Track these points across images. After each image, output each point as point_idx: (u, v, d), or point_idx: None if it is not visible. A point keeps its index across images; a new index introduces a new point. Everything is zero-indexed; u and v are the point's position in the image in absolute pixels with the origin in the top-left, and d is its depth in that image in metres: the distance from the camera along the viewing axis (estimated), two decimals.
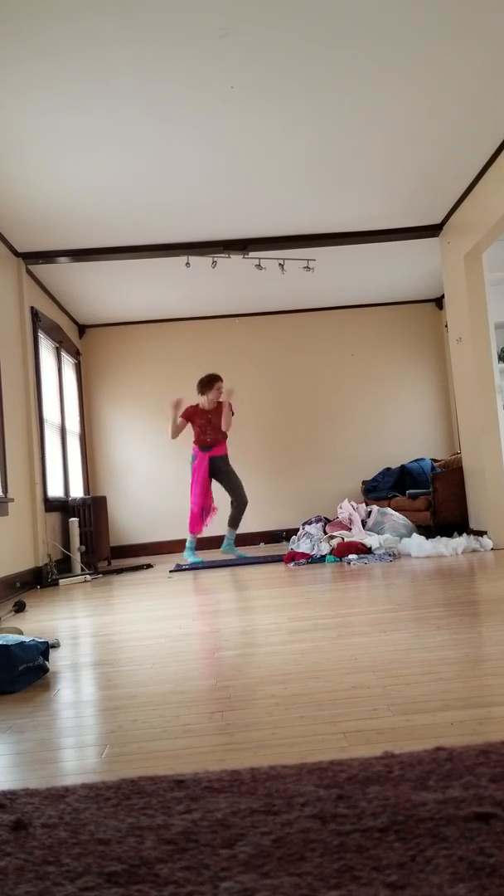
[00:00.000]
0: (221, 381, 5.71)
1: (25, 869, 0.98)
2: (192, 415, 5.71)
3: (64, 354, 6.43)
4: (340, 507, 5.63)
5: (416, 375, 7.44)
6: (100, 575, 5.34)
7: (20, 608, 3.78)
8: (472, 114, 3.77)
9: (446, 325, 6.61)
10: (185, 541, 7.01)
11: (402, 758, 1.25)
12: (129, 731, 1.62)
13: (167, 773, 1.30)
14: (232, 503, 5.69)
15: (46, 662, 2.27)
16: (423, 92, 3.53)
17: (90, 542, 5.82)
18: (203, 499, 5.65)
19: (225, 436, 5.73)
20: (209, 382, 5.68)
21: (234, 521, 5.70)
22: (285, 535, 6.84)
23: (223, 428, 5.66)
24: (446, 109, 3.71)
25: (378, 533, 5.23)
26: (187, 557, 5.69)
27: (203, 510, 5.67)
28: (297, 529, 5.88)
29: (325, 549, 4.96)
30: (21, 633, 2.70)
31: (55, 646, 2.67)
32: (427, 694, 1.68)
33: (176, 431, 5.69)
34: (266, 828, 1.04)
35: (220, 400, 5.71)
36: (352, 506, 5.58)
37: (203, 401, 5.73)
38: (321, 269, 5.98)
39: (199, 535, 5.83)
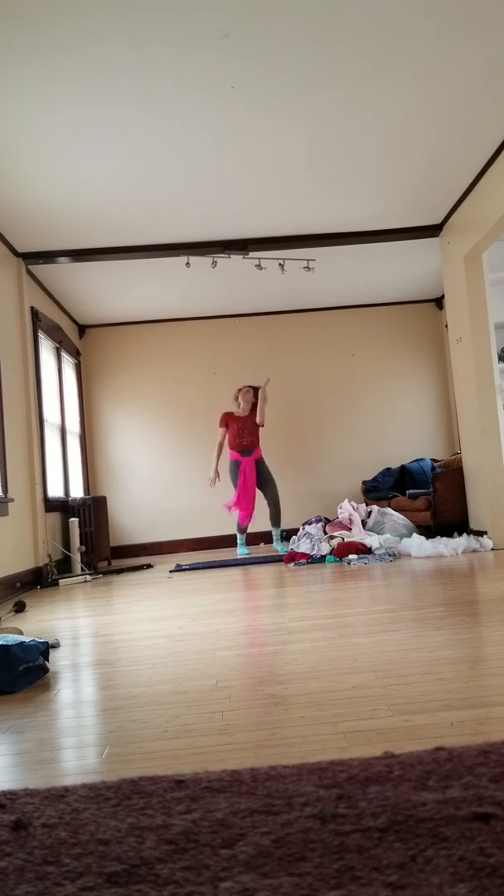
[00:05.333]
0: (246, 389, 6.11)
1: (25, 869, 0.98)
2: (228, 421, 6.11)
3: (64, 354, 6.43)
4: (340, 507, 5.63)
5: (416, 375, 7.44)
6: (100, 575, 5.34)
7: (20, 608, 3.78)
8: (472, 114, 3.77)
9: (446, 325, 6.61)
10: (185, 541, 7.05)
11: (402, 758, 1.25)
12: (129, 731, 1.62)
13: (167, 773, 1.30)
14: (269, 504, 6.02)
15: (46, 662, 2.27)
16: (424, 92, 3.53)
17: (90, 542, 5.82)
18: (252, 501, 5.96)
19: (258, 438, 6.09)
20: (235, 395, 6.17)
21: (276, 519, 6.02)
22: (285, 535, 6.83)
23: (258, 420, 6.01)
24: (446, 109, 3.71)
25: (378, 533, 5.23)
26: (239, 553, 6.03)
27: (249, 513, 6.00)
28: (297, 529, 5.88)
29: (325, 549, 4.96)
30: (21, 633, 2.70)
31: (55, 646, 2.67)
32: (427, 694, 1.68)
33: (220, 445, 6.14)
34: (266, 828, 1.04)
35: (253, 402, 6.12)
36: (352, 506, 5.58)
37: (237, 409, 6.14)
38: (321, 269, 5.98)
39: (245, 529, 6.07)
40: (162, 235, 5.10)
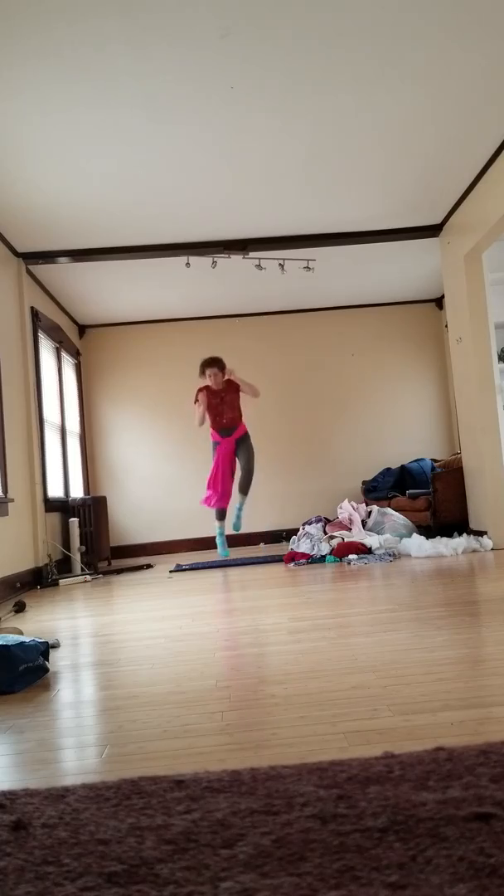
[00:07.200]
0: (215, 367, 5.36)
1: (25, 869, 0.98)
2: (202, 396, 5.44)
3: (64, 354, 6.43)
4: (340, 508, 5.63)
5: (416, 375, 7.44)
6: (100, 575, 5.34)
7: (20, 608, 3.78)
8: (471, 114, 3.77)
9: (446, 325, 6.60)
10: (185, 541, 7.04)
11: (402, 758, 1.25)
12: (129, 731, 1.62)
13: (167, 773, 1.30)
14: (241, 470, 5.48)
15: (46, 663, 2.27)
16: (424, 92, 3.53)
17: (90, 543, 5.82)
18: (224, 484, 5.44)
19: (240, 413, 5.51)
20: (201, 368, 5.42)
21: (244, 484, 5.47)
22: (285, 536, 6.83)
23: (254, 393, 5.49)
24: (446, 109, 3.71)
25: (378, 533, 5.23)
26: (221, 553, 5.56)
27: (222, 494, 5.44)
28: (297, 529, 5.88)
29: (325, 549, 4.96)
30: (21, 633, 2.70)
31: (55, 646, 2.67)
32: (427, 694, 1.67)
33: (200, 418, 5.49)
34: (266, 828, 1.04)
35: (228, 378, 5.44)
36: (352, 506, 5.58)
37: (210, 382, 5.42)
38: (321, 269, 5.98)
39: (224, 517, 5.59)
40: (162, 235, 5.10)
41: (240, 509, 5.49)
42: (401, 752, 1.29)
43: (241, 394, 5.51)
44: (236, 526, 5.49)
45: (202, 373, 5.45)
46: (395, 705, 1.61)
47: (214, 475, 5.41)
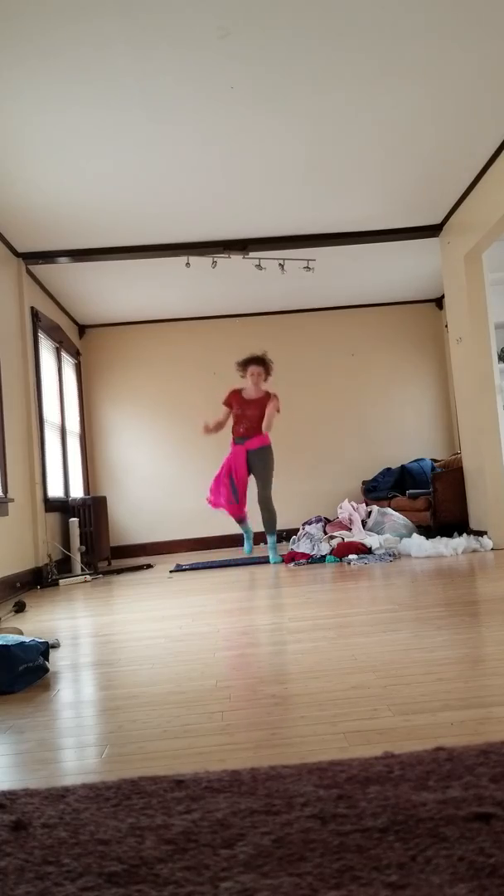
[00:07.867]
0: (260, 366, 5.08)
1: (25, 869, 0.98)
2: (231, 399, 5.20)
3: (64, 354, 6.43)
4: (340, 508, 5.63)
5: (416, 375, 7.44)
6: (100, 575, 5.34)
7: (20, 608, 3.78)
8: (472, 114, 3.77)
9: (446, 325, 6.61)
10: (185, 541, 7.04)
11: (402, 758, 1.25)
12: (129, 731, 1.62)
13: (167, 773, 1.30)
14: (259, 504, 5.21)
15: (46, 663, 2.27)
16: (424, 92, 3.53)
17: (90, 543, 5.82)
18: (229, 492, 5.13)
19: (260, 427, 5.13)
20: (243, 365, 5.13)
21: (267, 525, 5.22)
22: (285, 536, 6.83)
23: (263, 427, 5.07)
24: (446, 109, 3.71)
25: (378, 533, 5.22)
26: (245, 551, 5.47)
27: (227, 502, 5.17)
28: (297, 529, 5.88)
29: (325, 549, 4.96)
30: (21, 633, 2.70)
31: (55, 646, 2.67)
32: (427, 694, 1.67)
33: (219, 423, 5.20)
34: (266, 828, 1.04)
35: (268, 391, 5.15)
36: (352, 506, 5.58)
37: (247, 386, 5.17)
38: (321, 269, 5.97)
39: (244, 521, 5.35)
40: (162, 235, 5.10)
41: (271, 548, 5.21)
42: (401, 752, 1.29)
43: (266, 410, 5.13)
44: (274, 560, 5.15)
45: (243, 369, 5.15)
46: (395, 705, 1.61)
47: (217, 476, 5.26)
